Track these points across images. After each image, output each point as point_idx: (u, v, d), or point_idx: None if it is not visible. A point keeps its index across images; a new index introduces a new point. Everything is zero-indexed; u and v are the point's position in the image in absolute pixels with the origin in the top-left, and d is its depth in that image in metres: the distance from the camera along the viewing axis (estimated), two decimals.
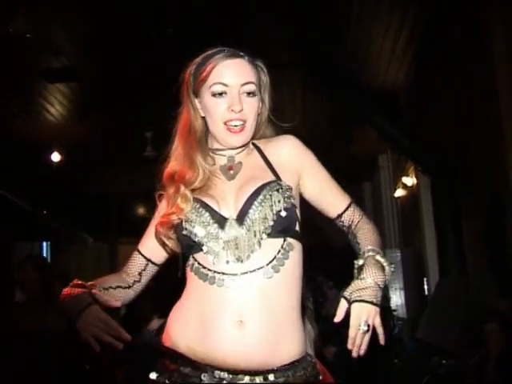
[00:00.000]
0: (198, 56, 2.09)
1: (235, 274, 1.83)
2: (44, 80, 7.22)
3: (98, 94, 7.84)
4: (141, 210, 11.96)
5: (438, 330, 6.25)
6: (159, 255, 2.15)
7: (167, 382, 1.82)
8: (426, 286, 8.62)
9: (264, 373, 1.79)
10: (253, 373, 1.79)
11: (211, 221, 1.89)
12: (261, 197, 1.88)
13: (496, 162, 5.40)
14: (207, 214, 1.90)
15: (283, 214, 1.88)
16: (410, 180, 9.43)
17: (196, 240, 1.89)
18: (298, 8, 6.11)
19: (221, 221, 1.89)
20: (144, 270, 2.15)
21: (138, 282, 2.14)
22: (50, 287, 4.63)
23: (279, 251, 1.87)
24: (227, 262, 1.85)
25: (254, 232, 1.86)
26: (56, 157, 9.11)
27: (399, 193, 10.34)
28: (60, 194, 10.02)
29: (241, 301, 1.82)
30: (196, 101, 2.06)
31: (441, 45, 6.72)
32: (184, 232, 1.91)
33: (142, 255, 2.15)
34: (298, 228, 1.96)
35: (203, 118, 2.06)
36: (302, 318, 1.95)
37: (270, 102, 2.16)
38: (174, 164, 2.05)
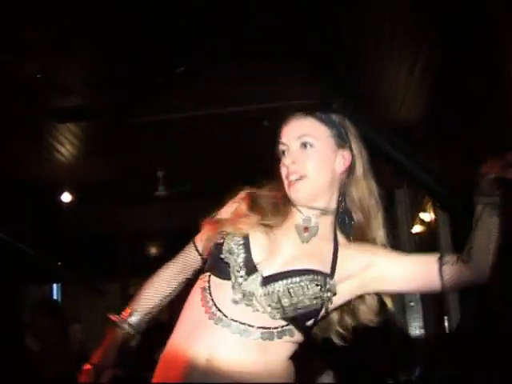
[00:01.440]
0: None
1: (226, 316, 1.86)
2: (54, 120, 7.28)
3: (109, 134, 7.89)
4: (153, 250, 11.95)
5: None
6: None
7: None
8: (446, 324, 8.55)
9: None
10: None
11: (243, 263, 1.92)
12: (297, 278, 1.89)
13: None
14: (244, 255, 1.94)
15: (302, 308, 1.88)
16: (427, 216, 9.40)
17: (221, 269, 1.95)
18: (313, 44, 6.15)
19: (251, 269, 1.92)
20: (193, 265, 2.23)
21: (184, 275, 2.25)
22: (64, 331, 4.61)
23: (277, 327, 1.89)
24: (230, 302, 1.89)
25: (270, 301, 1.87)
26: (67, 197, 9.16)
27: (417, 229, 10.31)
28: (72, 237, 10.07)
29: (216, 339, 1.85)
30: None
31: (456, 77, 6.75)
32: (218, 257, 1.96)
33: (196, 248, 2.22)
34: (309, 324, 1.96)
35: None
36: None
37: (363, 159, 2.21)
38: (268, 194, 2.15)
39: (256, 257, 1.94)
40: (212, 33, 5.68)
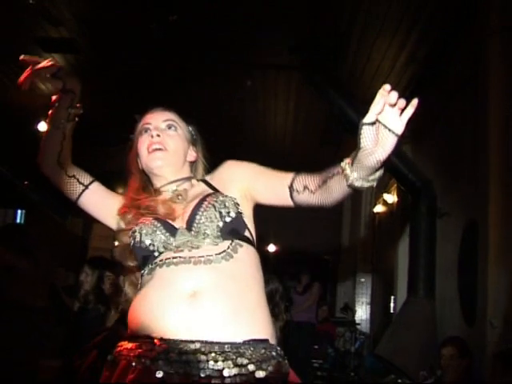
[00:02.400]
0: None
1: (184, 257, 1.92)
2: (40, 48, 7.19)
3: (92, 70, 7.82)
4: (119, 191, 11.96)
5: (399, 350, 6.30)
6: (91, 198, 2.27)
7: (120, 359, 1.87)
8: (392, 304, 8.67)
9: (220, 343, 1.80)
10: (209, 342, 1.79)
11: (163, 230, 2.01)
12: (205, 203, 2.00)
13: (476, 192, 5.46)
14: (159, 224, 2.02)
15: (228, 218, 1.99)
16: (391, 197, 9.49)
17: (151, 249, 1.99)
18: (302, 15, 6.15)
19: (172, 230, 2.00)
20: (76, 181, 2.28)
21: (68, 169, 2.27)
22: (29, 253, 4.59)
23: (228, 247, 1.96)
24: (181, 249, 1.95)
25: (203, 234, 1.96)
26: (43, 127, 9.07)
27: (379, 208, 10.41)
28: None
29: (194, 274, 1.89)
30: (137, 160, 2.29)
31: (438, 70, 6.79)
32: (141, 245, 2.01)
33: (90, 182, 2.29)
34: (248, 234, 2.06)
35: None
36: (262, 309, 1.97)
37: (207, 157, 2.38)
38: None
39: (168, 221, 2.05)
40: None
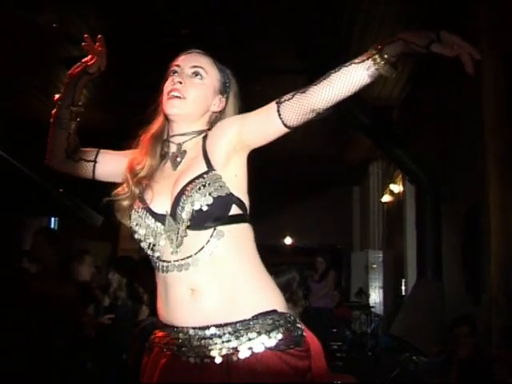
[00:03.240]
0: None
1: (169, 261, 1.92)
2: (64, 67, 7.24)
3: (115, 84, 7.86)
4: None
5: (411, 328, 6.30)
6: (103, 168, 2.21)
7: (154, 347, 1.95)
8: (403, 287, 8.67)
9: (231, 324, 1.84)
10: (222, 325, 1.84)
11: (152, 219, 1.97)
12: (183, 196, 1.92)
13: (476, 176, 5.46)
14: (147, 213, 1.98)
15: (204, 208, 1.89)
16: (396, 187, 9.49)
17: (143, 240, 1.99)
18: (304, 21, 6.15)
19: (160, 218, 1.96)
20: (84, 161, 2.21)
21: (75, 156, 2.20)
22: (60, 259, 4.63)
23: (208, 241, 1.91)
24: (170, 252, 1.93)
25: (183, 225, 1.92)
26: None
27: (386, 198, 10.40)
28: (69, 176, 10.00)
29: (184, 278, 1.89)
30: None
31: (432, 65, 6.77)
32: (136, 236, 2.00)
33: (96, 155, 2.21)
34: (235, 210, 1.96)
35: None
36: (261, 283, 1.96)
37: (237, 106, 2.20)
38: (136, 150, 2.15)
39: (157, 207, 1.98)
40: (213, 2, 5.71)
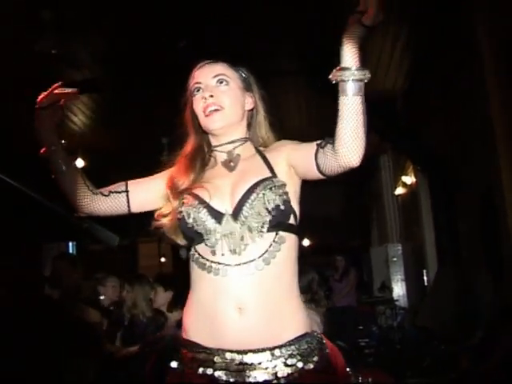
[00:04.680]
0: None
1: (229, 265, 1.88)
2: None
3: (118, 105, 7.91)
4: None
5: (436, 318, 6.28)
6: (138, 197, 2.15)
7: (185, 368, 1.89)
8: (425, 277, 8.65)
9: (271, 349, 1.83)
10: (260, 350, 1.83)
11: (209, 217, 1.93)
12: (254, 195, 1.91)
13: (487, 160, 5.44)
14: (205, 210, 1.94)
15: (275, 211, 1.89)
16: (409, 179, 9.46)
17: (195, 234, 1.94)
18: (303, 20, 6.17)
19: (218, 216, 1.93)
20: (115, 193, 2.15)
21: (103, 191, 2.15)
22: (78, 283, 4.66)
23: (271, 245, 1.89)
24: (222, 254, 1.89)
25: (248, 227, 1.89)
26: (80, 163, 9.18)
27: (399, 191, 10.38)
28: None
29: (237, 289, 1.86)
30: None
31: (435, 53, 6.76)
32: (185, 226, 1.95)
33: (126, 185, 2.16)
34: (292, 221, 1.98)
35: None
36: (299, 301, 1.97)
37: (264, 104, 2.23)
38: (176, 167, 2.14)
39: (214, 205, 1.95)
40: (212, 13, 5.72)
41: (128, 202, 2.14)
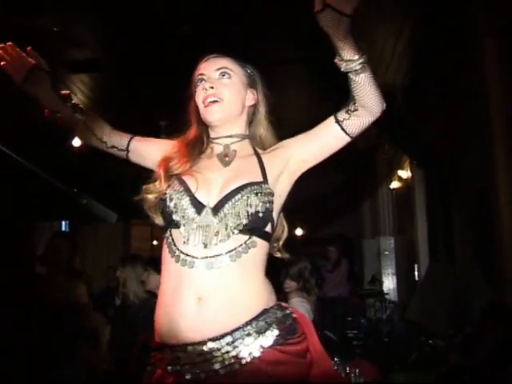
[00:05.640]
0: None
1: (196, 258, 1.91)
2: (68, 71, 7.26)
3: (118, 85, 7.88)
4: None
5: (426, 312, 6.31)
6: (135, 156, 2.27)
7: (157, 370, 1.94)
8: (416, 272, 8.67)
9: (229, 333, 1.86)
10: (219, 337, 1.85)
11: (190, 205, 1.97)
12: (239, 195, 1.95)
13: (484, 157, 5.46)
14: (188, 198, 1.98)
15: (253, 216, 1.93)
16: (405, 173, 9.47)
17: (175, 219, 1.98)
18: (304, 9, 6.14)
19: (198, 207, 1.97)
20: (116, 149, 2.27)
21: (107, 141, 2.26)
22: (72, 262, 4.66)
23: (240, 245, 1.92)
24: (194, 244, 1.93)
25: (225, 224, 1.93)
26: (77, 142, 9.14)
27: (395, 185, 10.39)
28: (80, 177, 10.08)
29: (199, 281, 1.89)
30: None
31: (435, 50, 6.76)
32: (167, 209, 2.00)
33: (128, 144, 2.26)
34: (269, 229, 2.01)
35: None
36: (261, 291, 1.99)
37: (267, 104, 2.28)
38: (176, 144, 2.19)
39: (198, 195, 1.99)
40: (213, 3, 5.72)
41: (127, 157, 2.26)
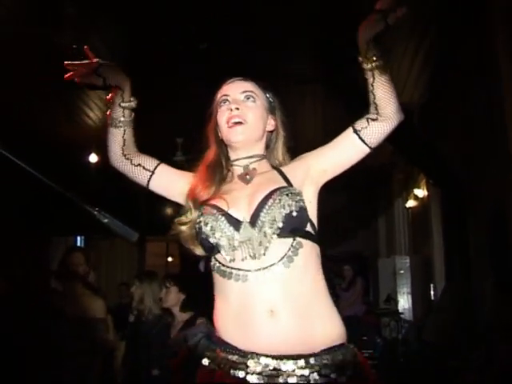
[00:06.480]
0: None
1: (249, 270, 1.90)
2: (85, 87, 7.31)
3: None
4: (168, 210, 11.99)
5: (442, 333, 6.26)
6: (159, 182, 2.22)
7: (217, 368, 1.91)
8: (432, 291, 8.61)
9: (305, 356, 1.85)
10: (295, 357, 1.84)
11: (227, 224, 1.96)
12: (270, 201, 1.95)
13: (500, 176, 5.43)
14: (223, 218, 1.98)
15: (290, 216, 1.93)
16: (421, 192, 9.44)
17: (213, 242, 1.97)
18: (321, 28, 6.16)
19: (235, 224, 1.96)
20: (142, 168, 2.23)
21: (133, 159, 2.24)
22: (88, 277, 4.66)
23: (289, 249, 1.92)
24: (242, 259, 1.92)
25: (265, 233, 1.92)
26: (93, 158, 9.19)
27: (410, 203, 10.36)
28: (97, 193, 10.12)
29: (263, 293, 1.88)
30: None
31: (452, 69, 6.75)
32: (203, 236, 1.99)
33: (155, 167, 2.22)
34: (309, 229, 2.01)
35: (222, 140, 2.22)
36: (330, 306, 1.99)
37: (285, 130, 2.30)
38: (197, 174, 2.19)
39: (233, 213, 1.99)
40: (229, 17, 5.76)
41: (148, 181, 2.21)
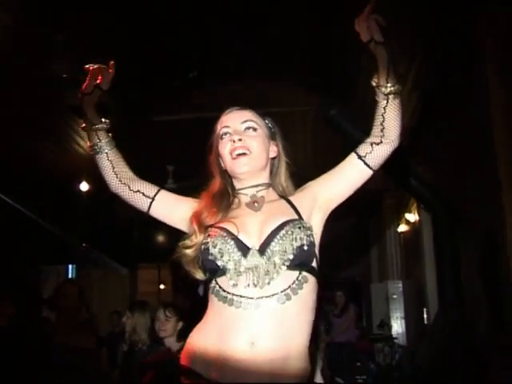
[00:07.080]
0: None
1: (252, 298, 1.88)
2: (75, 115, 7.33)
3: (125, 130, 7.94)
4: (160, 238, 11.99)
5: (436, 358, 6.23)
6: (160, 208, 2.19)
7: None
8: (425, 316, 8.60)
9: None
10: None
11: (235, 249, 1.95)
12: (283, 231, 1.94)
13: (491, 200, 5.45)
14: (232, 242, 1.96)
15: (301, 250, 1.93)
16: (412, 216, 9.46)
17: (220, 265, 1.95)
18: (313, 57, 6.22)
19: (244, 250, 1.95)
20: (142, 195, 2.19)
21: (131, 185, 2.20)
22: (80, 309, 4.65)
23: (294, 282, 1.91)
24: (245, 286, 1.90)
25: (274, 263, 1.91)
26: (84, 186, 9.19)
27: (402, 228, 10.38)
28: (89, 223, 10.10)
29: (254, 323, 1.86)
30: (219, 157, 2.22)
31: (441, 94, 6.80)
32: (210, 257, 1.96)
33: (156, 193, 2.19)
34: (314, 265, 2.00)
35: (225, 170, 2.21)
36: (310, 345, 1.97)
37: (287, 155, 2.31)
38: (202, 200, 2.17)
39: (242, 238, 1.98)
40: (220, 45, 5.78)
41: (149, 207, 2.18)
